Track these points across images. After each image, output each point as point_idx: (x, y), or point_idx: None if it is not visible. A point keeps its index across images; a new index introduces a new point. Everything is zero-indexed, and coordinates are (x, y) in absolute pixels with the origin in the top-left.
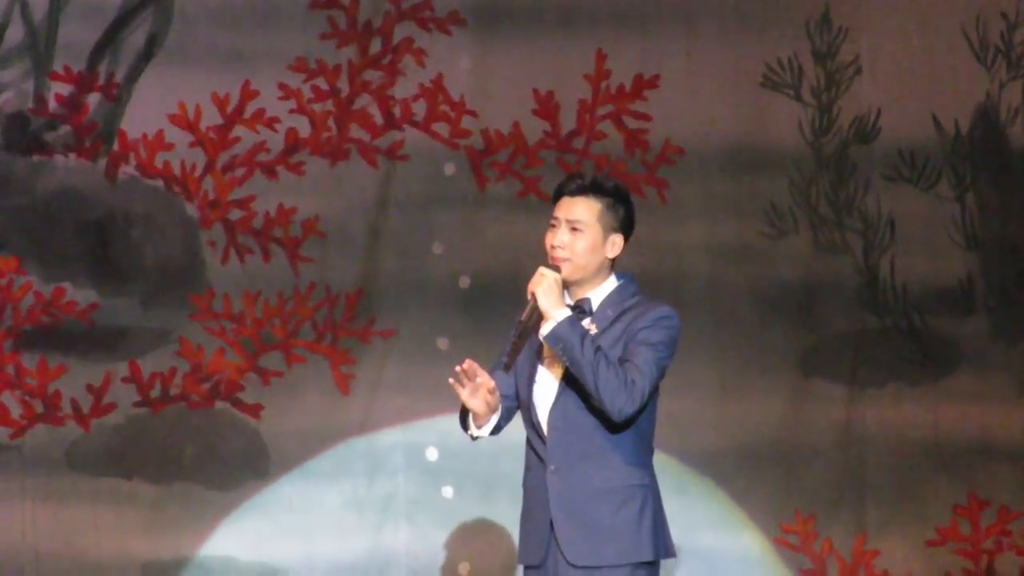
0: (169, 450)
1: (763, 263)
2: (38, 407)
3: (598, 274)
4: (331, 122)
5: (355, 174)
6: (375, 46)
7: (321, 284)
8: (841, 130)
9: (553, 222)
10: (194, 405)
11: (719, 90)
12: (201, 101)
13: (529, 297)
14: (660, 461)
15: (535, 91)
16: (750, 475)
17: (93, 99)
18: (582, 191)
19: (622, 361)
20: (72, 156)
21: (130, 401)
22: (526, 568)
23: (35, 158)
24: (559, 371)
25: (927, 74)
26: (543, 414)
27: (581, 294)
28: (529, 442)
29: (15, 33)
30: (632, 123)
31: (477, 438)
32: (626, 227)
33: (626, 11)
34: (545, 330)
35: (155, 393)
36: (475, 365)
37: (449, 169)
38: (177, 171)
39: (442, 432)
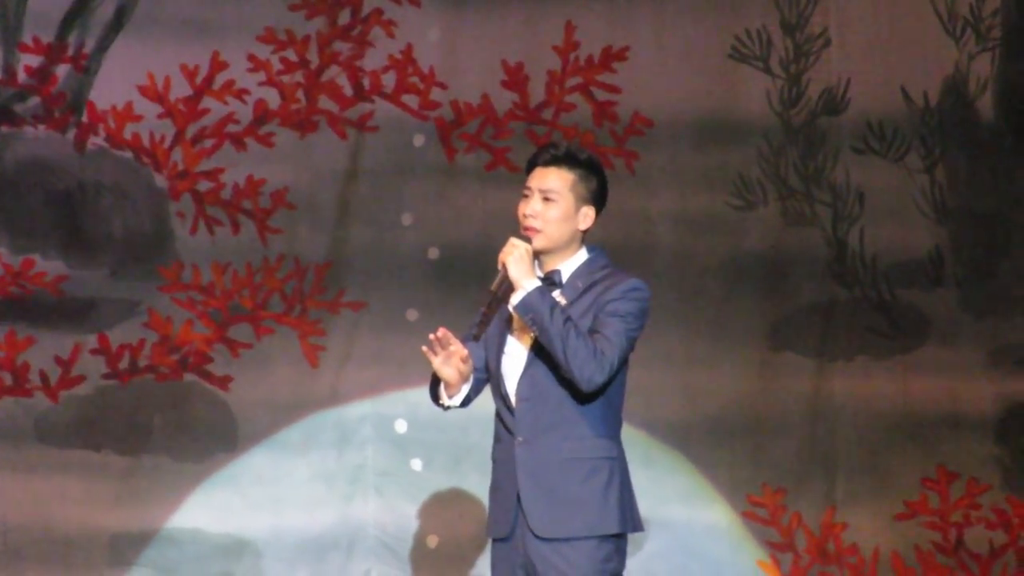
0: (138, 422)
1: (732, 235)
2: (6, 379)
3: (569, 246)
4: (300, 93)
5: (324, 145)
6: (344, 17)
7: (290, 255)
8: (810, 102)
9: (526, 192)
10: (163, 377)
11: (688, 62)
12: (170, 72)
13: (500, 267)
14: (627, 433)
15: (504, 62)
16: (718, 448)
17: (62, 70)
18: (555, 161)
19: (592, 332)
20: (41, 127)
21: (99, 373)
22: (494, 541)
23: (3, 129)
24: (528, 342)
25: (896, 46)
26: (512, 385)
27: (551, 265)
28: (498, 414)
29: None
30: (601, 94)
31: (448, 407)
32: (598, 200)
33: None
34: (515, 299)
35: (124, 365)
36: (448, 333)
37: (418, 140)
38: (146, 142)
39: (411, 404)
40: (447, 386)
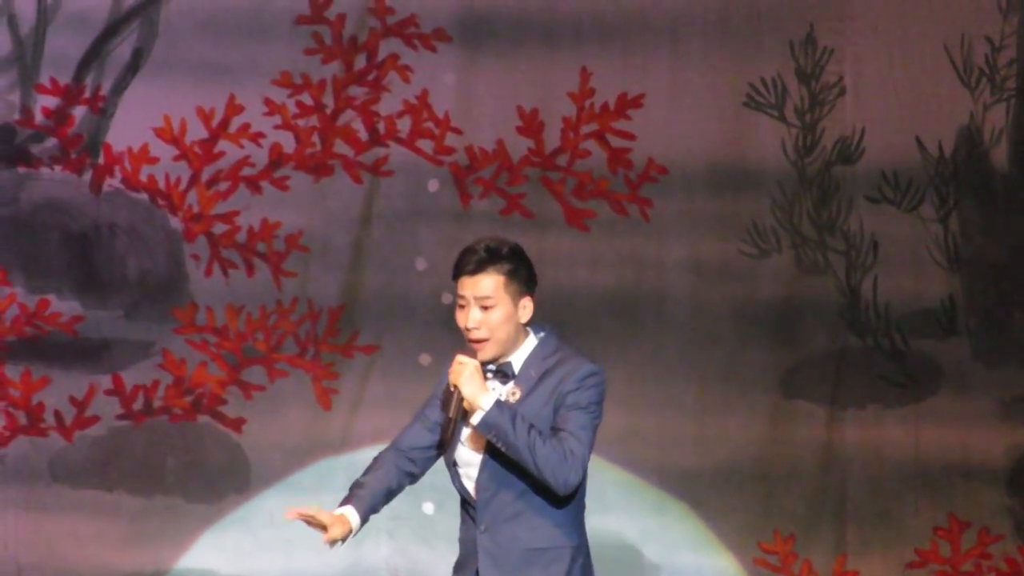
0: (151, 463)
1: (745, 282)
2: (21, 418)
3: (516, 339)
4: (315, 137)
5: (339, 189)
6: (360, 62)
7: (304, 298)
8: (824, 150)
9: (461, 302)
10: (177, 418)
11: (703, 109)
12: (186, 115)
13: (452, 388)
14: (638, 480)
15: (519, 108)
16: (729, 495)
17: (79, 111)
18: (481, 267)
19: (555, 430)
20: (58, 168)
21: (113, 413)
22: None
23: (21, 170)
24: (480, 438)
25: (911, 95)
26: (471, 477)
27: (503, 358)
28: (461, 497)
29: (2, 45)
30: (616, 141)
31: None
32: (531, 285)
33: (610, 29)
34: (475, 419)
35: (138, 406)
36: (301, 513)
37: (433, 185)
38: (162, 184)
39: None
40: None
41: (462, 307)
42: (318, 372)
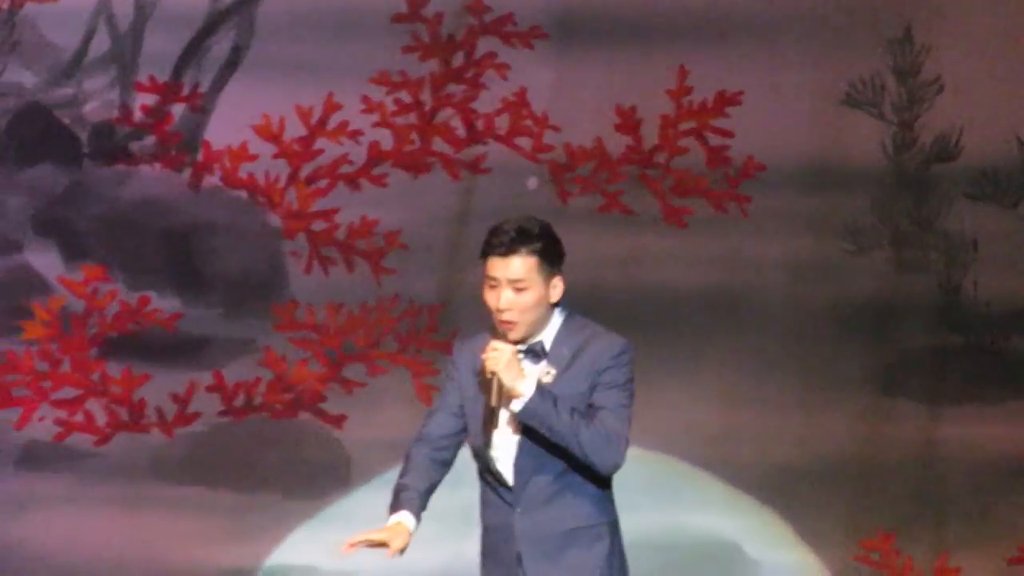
0: (252, 459)
1: (843, 279)
2: (123, 415)
3: (545, 318)
4: (414, 135)
5: (437, 187)
6: (458, 59)
7: (404, 295)
8: (923, 148)
9: (491, 283)
10: (277, 415)
11: (801, 106)
12: (285, 112)
13: (489, 375)
14: (737, 478)
15: (617, 106)
16: (828, 492)
17: (178, 109)
18: (513, 248)
19: (593, 407)
20: (157, 166)
21: (214, 410)
22: None
23: (120, 167)
24: (513, 419)
25: (1010, 92)
26: (505, 465)
27: (532, 338)
28: (487, 480)
29: (101, 43)
30: (714, 139)
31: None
32: (560, 264)
33: (708, 27)
34: (517, 407)
35: (239, 402)
36: (357, 543)
37: (531, 183)
38: (261, 182)
39: None
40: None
41: (492, 288)
42: (418, 369)
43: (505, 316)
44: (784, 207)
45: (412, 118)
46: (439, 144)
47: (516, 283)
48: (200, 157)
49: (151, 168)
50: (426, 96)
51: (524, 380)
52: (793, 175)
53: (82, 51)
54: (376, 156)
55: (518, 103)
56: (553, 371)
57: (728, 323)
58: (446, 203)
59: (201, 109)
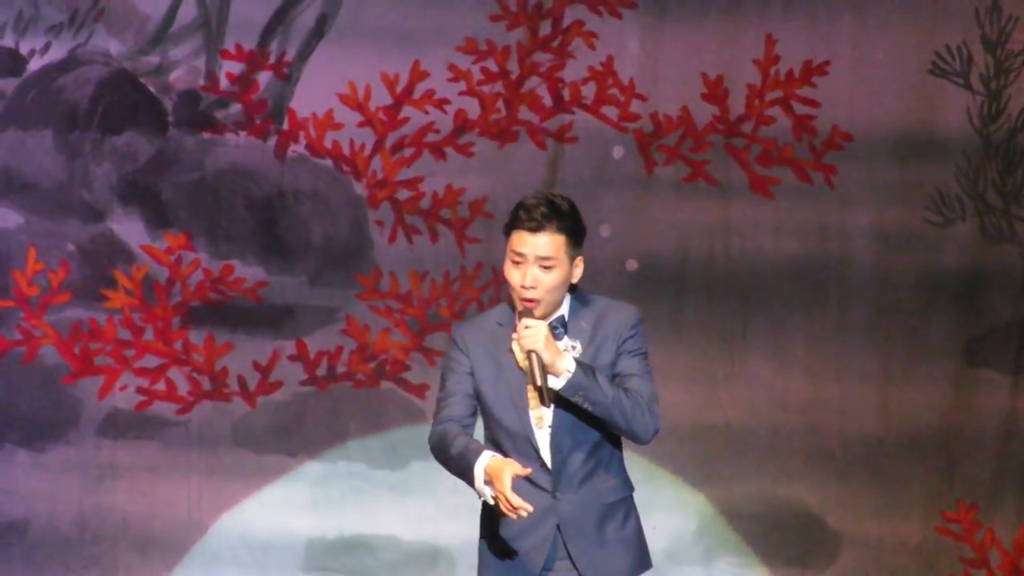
0: (334, 429)
1: (929, 250)
2: (205, 383)
3: (563, 297)
4: (500, 103)
5: (523, 155)
6: (545, 28)
7: (488, 264)
8: (1010, 118)
9: (516, 259)
10: (360, 384)
11: (888, 76)
12: (371, 81)
13: (525, 355)
14: (821, 448)
15: (704, 75)
16: (912, 463)
17: (264, 77)
18: (544, 224)
19: (622, 375)
20: (242, 134)
21: (296, 379)
22: None
23: (206, 135)
24: (549, 394)
25: None
26: (543, 441)
27: (552, 315)
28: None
29: (188, 11)
30: (800, 108)
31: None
32: (583, 243)
33: None
34: (559, 384)
35: (321, 371)
36: (510, 492)
37: (617, 152)
38: (346, 150)
39: None
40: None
41: (517, 264)
42: None
43: (529, 294)
44: (870, 178)
45: (499, 87)
46: (525, 113)
47: (544, 260)
48: (285, 125)
49: (236, 136)
50: (513, 65)
51: (563, 357)
52: (879, 146)
53: (169, 19)
54: (462, 125)
55: (605, 72)
56: (577, 344)
57: (813, 294)
58: (532, 172)
59: (287, 77)
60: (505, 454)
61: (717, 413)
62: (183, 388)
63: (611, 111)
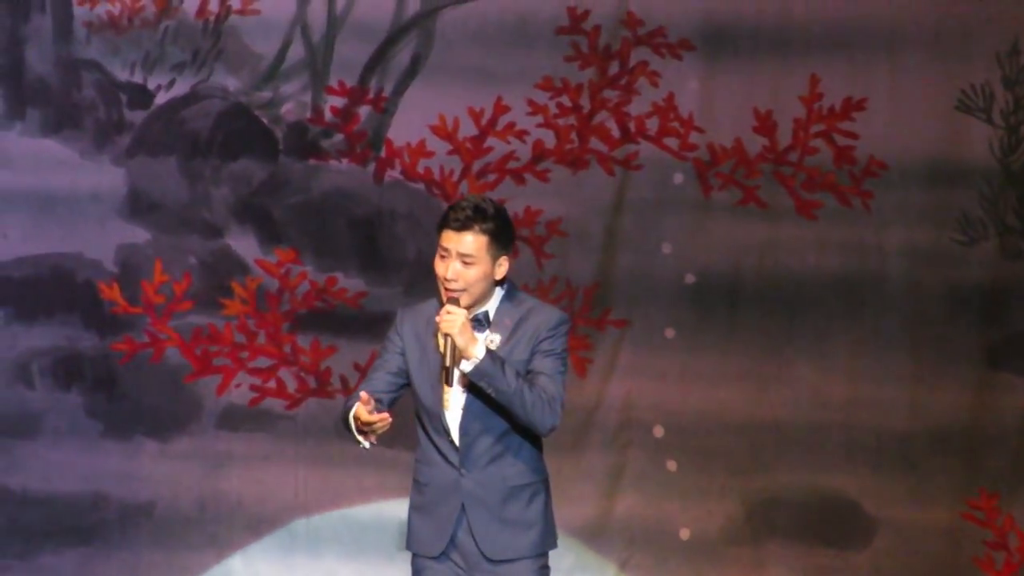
0: None
1: (955, 267)
2: (311, 382)
3: (488, 292)
4: (574, 135)
5: (594, 181)
6: (613, 68)
7: (563, 278)
8: None
9: (443, 253)
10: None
11: (919, 112)
12: (459, 114)
13: (442, 337)
14: (858, 442)
15: (755, 109)
16: (940, 455)
17: (364, 111)
18: (467, 224)
19: (533, 372)
20: (344, 161)
21: None
22: (417, 556)
23: (312, 162)
24: (464, 380)
25: None
26: (453, 422)
27: (477, 308)
28: (431, 440)
29: (296, 52)
30: (841, 140)
31: (363, 446)
32: (510, 246)
33: (837, 40)
34: (468, 368)
35: None
36: (371, 411)
37: (678, 178)
38: (437, 175)
39: (667, 412)
40: (361, 434)
41: (443, 258)
42: (575, 343)
43: (451, 285)
44: (903, 201)
45: (572, 120)
46: (596, 143)
47: (465, 257)
48: (383, 153)
49: (339, 163)
50: (585, 100)
51: (476, 343)
52: (911, 173)
53: (280, 58)
54: (540, 153)
55: (666, 107)
56: (496, 338)
57: (852, 305)
58: (602, 196)
59: (384, 111)
60: (425, 430)
61: (765, 411)
62: (291, 386)
63: (672, 142)
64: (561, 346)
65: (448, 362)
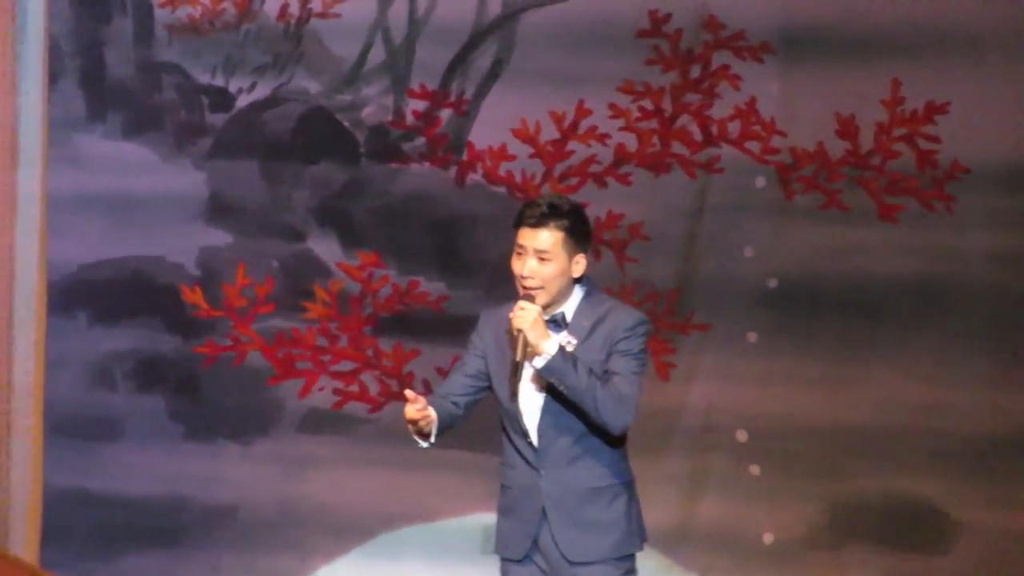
0: None
1: None
2: (393, 386)
3: (566, 291)
4: (655, 138)
5: (676, 184)
6: (695, 71)
7: (645, 282)
8: None
9: (519, 250)
10: None
11: (1001, 116)
12: (540, 117)
13: (515, 333)
14: (942, 447)
15: (837, 114)
16: (1022, 459)
17: (445, 114)
18: (543, 220)
19: (607, 373)
20: (426, 164)
21: None
22: (505, 560)
23: (393, 165)
24: (542, 381)
25: None
26: (531, 423)
27: (553, 309)
28: (512, 443)
29: (377, 55)
30: (924, 144)
31: (421, 446)
32: (586, 243)
33: (919, 42)
34: (539, 363)
35: None
36: (419, 403)
37: (759, 182)
38: (518, 179)
39: (750, 416)
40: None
41: (519, 255)
42: (657, 348)
43: (527, 283)
44: (984, 206)
45: (654, 123)
46: (678, 147)
47: (541, 253)
48: (464, 156)
49: (420, 166)
50: (666, 104)
51: (548, 339)
52: (993, 176)
53: (361, 61)
54: (622, 157)
55: (748, 111)
56: (573, 341)
57: (933, 308)
58: (683, 199)
59: (466, 114)
60: (506, 432)
61: (847, 415)
62: (374, 390)
63: (754, 145)
64: (638, 347)
65: (517, 356)
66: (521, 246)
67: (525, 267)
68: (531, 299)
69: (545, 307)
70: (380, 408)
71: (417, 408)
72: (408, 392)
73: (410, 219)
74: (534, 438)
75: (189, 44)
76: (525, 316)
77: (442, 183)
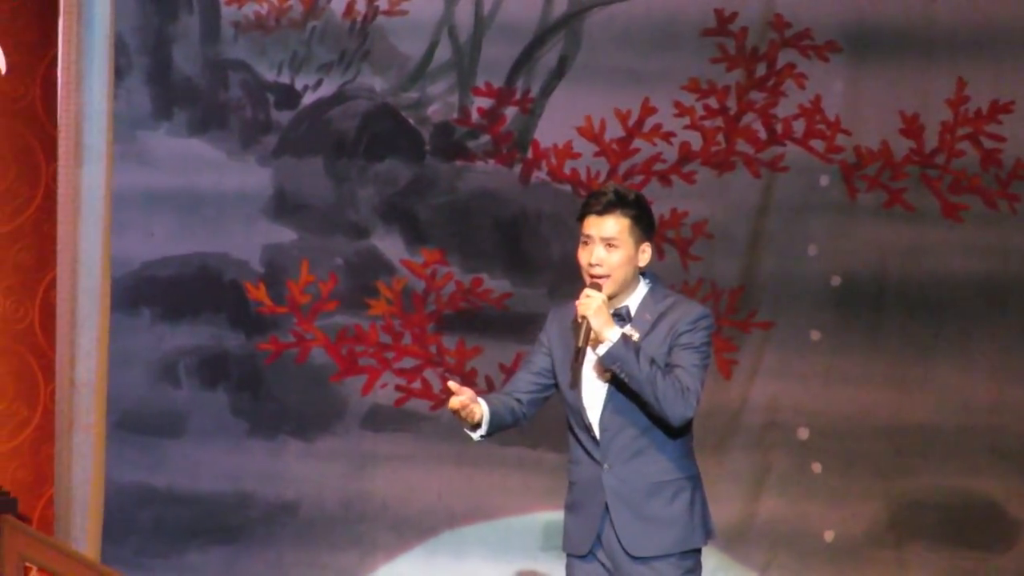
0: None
1: None
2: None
3: (632, 282)
4: (720, 137)
5: (740, 183)
6: (760, 70)
7: (708, 280)
8: None
9: (585, 240)
10: None
11: None
12: (605, 115)
13: (580, 319)
14: (1006, 446)
15: (902, 112)
16: None
17: (510, 112)
18: (609, 208)
19: (670, 366)
20: (491, 162)
21: None
22: (571, 556)
23: (458, 163)
24: (606, 374)
25: None
26: (594, 416)
27: (618, 302)
28: (577, 438)
29: (443, 53)
30: (988, 143)
31: (474, 439)
32: (651, 233)
33: (984, 41)
34: (602, 350)
35: None
36: (461, 392)
37: (824, 180)
38: (583, 177)
39: (812, 414)
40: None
41: (586, 244)
42: (720, 345)
43: (595, 271)
44: None
45: (719, 122)
46: (742, 145)
47: (608, 240)
48: (529, 154)
49: (485, 164)
50: (731, 102)
51: (611, 327)
52: None
53: (427, 59)
54: (686, 155)
55: (813, 109)
56: (636, 334)
57: (997, 307)
58: (748, 198)
59: (531, 112)
60: (571, 428)
61: (910, 413)
62: (437, 387)
63: (818, 144)
64: (700, 340)
65: (580, 342)
66: (587, 235)
67: (593, 255)
68: (598, 288)
69: (610, 298)
70: (442, 405)
71: (460, 400)
72: (451, 383)
73: (474, 217)
74: (596, 431)
75: (255, 41)
76: (590, 303)
77: (507, 181)
